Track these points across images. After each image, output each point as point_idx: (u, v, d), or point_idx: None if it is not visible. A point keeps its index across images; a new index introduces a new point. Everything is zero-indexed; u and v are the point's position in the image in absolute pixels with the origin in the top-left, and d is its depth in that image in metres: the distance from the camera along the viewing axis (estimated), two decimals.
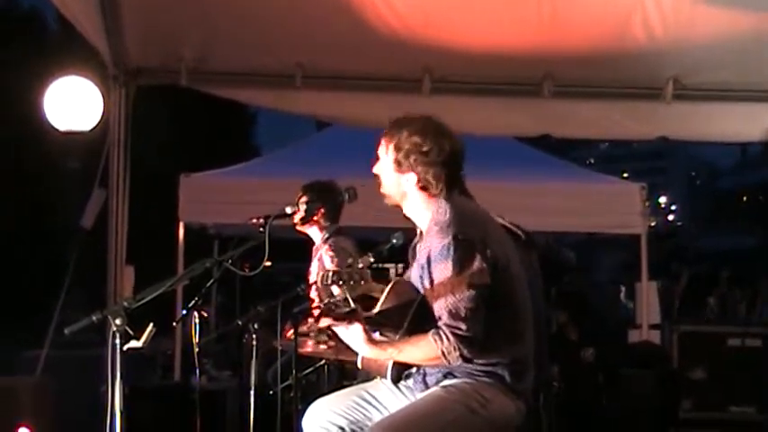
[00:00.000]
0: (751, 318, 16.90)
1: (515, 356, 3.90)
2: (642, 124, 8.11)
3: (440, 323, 3.76)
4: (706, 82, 7.63)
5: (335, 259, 6.09)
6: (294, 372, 4.78)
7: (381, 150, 4.10)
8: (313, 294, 6.04)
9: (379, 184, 4.17)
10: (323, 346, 4.99)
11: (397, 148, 4.00)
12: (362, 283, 4.31)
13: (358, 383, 4.54)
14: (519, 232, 4.59)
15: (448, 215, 3.86)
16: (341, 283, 4.43)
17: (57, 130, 7.61)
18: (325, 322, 3.95)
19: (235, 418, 7.64)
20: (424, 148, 3.95)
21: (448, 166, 3.97)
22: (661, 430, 8.09)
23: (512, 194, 8.02)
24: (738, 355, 9.13)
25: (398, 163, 4.01)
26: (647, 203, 9.36)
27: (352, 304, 3.99)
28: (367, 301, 4.30)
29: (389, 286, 4.13)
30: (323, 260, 6.27)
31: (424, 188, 3.99)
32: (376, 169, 4.13)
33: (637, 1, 6.79)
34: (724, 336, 9.32)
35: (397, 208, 4.15)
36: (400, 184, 4.05)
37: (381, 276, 4.94)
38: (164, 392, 7.51)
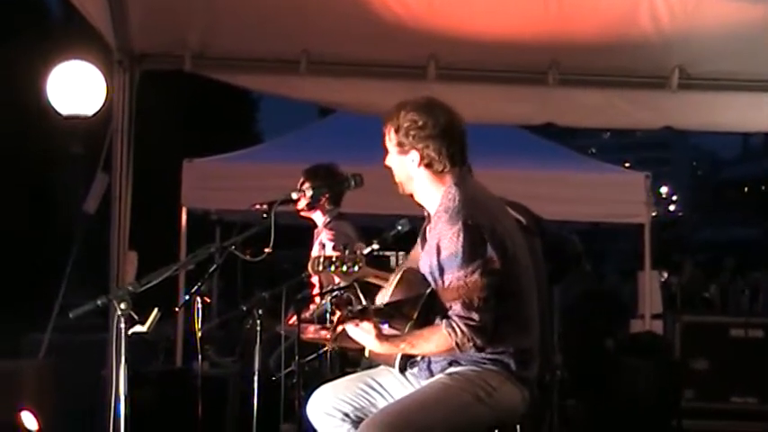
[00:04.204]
0: (754, 308, 16.92)
1: (522, 345, 3.89)
2: (647, 113, 8.07)
3: (451, 313, 3.75)
4: (712, 71, 7.60)
5: (335, 242, 6.09)
6: (297, 358, 4.77)
7: (386, 139, 4.11)
8: (315, 280, 6.05)
9: (382, 172, 4.17)
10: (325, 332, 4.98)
11: (397, 130, 4.02)
12: (356, 268, 4.29)
13: (361, 370, 4.53)
14: (521, 219, 4.58)
15: (457, 200, 3.85)
16: (333, 268, 4.42)
17: (60, 114, 7.60)
18: (342, 327, 3.92)
19: (236, 404, 7.63)
20: (420, 123, 3.96)
21: (447, 139, 3.97)
22: (663, 420, 8.10)
23: (516, 182, 7.98)
24: (741, 346, 9.13)
25: (400, 144, 4.02)
26: (650, 193, 9.37)
27: (364, 301, 3.98)
28: (363, 286, 4.29)
29: (398, 276, 4.11)
30: (323, 244, 6.27)
31: (428, 165, 3.98)
32: (387, 161, 4.13)
33: None
34: (727, 326, 9.31)
35: (411, 198, 4.15)
36: (405, 167, 4.04)
37: (382, 265, 4.94)
38: (166, 378, 7.49)
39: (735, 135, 49.48)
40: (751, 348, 9.12)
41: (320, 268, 4.60)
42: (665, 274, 15.97)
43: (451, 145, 3.98)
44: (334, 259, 4.51)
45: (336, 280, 4.90)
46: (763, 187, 60.96)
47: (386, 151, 4.14)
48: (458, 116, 4.06)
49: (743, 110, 7.88)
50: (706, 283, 19.03)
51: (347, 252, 4.44)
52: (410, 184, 4.08)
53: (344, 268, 4.38)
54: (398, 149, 4.04)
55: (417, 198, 4.13)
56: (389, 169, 4.16)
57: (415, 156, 3.99)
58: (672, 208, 70.00)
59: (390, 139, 4.07)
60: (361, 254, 4.38)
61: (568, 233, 5.52)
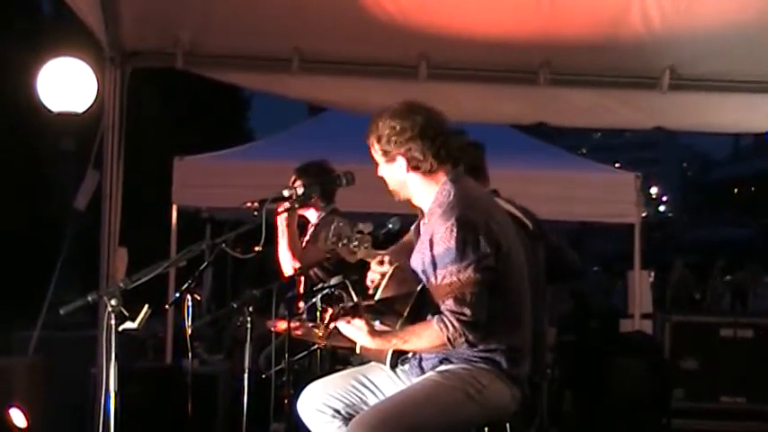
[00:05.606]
0: (742, 308, 16.96)
1: (513, 343, 3.91)
2: (638, 114, 8.07)
3: (443, 308, 3.76)
4: (703, 72, 7.61)
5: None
6: (287, 356, 4.76)
7: (372, 151, 4.13)
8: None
9: (373, 170, 4.18)
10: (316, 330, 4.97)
11: (379, 139, 4.04)
12: (363, 247, 4.32)
13: (351, 368, 4.53)
14: (527, 222, 4.61)
15: (452, 196, 3.88)
16: (341, 244, 4.44)
17: (50, 111, 7.57)
18: (333, 325, 3.94)
19: (226, 402, 7.64)
20: (398, 128, 3.97)
21: (427, 139, 3.97)
22: (653, 419, 8.10)
23: (506, 181, 7.85)
24: (730, 346, 9.16)
25: (386, 153, 4.04)
26: (640, 193, 9.38)
27: (355, 297, 3.99)
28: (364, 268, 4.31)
29: (389, 273, 4.12)
30: None
31: (416, 168, 4.00)
32: (379, 172, 4.15)
33: None
34: (716, 326, 9.35)
35: (409, 202, 4.17)
36: (395, 174, 4.06)
37: None
38: (155, 375, 7.50)
39: (725, 136, 49.58)
40: (740, 348, 9.16)
41: (334, 240, 4.59)
42: (652, 274, 16.01)
43: (433, 144, 3.98)
44: (343, 235, 4.52)
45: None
46: (754, 188, 61.07)
47: (376, 164, 4.16)
48: (437, 114, 4.06)
49: (734, 111, 7.88)
50: (696, 283, 19.08)
51: (355, 233, 4.46)
52: (404, 190, 4.09)
53: (353, 245, 4.42)
54: (385, 159, 4.06)
55: (414, 202, 4.14)
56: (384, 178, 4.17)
57: (401, 161, 4.01)
58: (662, 208, 70.09)
59: (376, 151, 4.09)
60: (368, 234, 4.41)
61: (567, 246, 5.55)
